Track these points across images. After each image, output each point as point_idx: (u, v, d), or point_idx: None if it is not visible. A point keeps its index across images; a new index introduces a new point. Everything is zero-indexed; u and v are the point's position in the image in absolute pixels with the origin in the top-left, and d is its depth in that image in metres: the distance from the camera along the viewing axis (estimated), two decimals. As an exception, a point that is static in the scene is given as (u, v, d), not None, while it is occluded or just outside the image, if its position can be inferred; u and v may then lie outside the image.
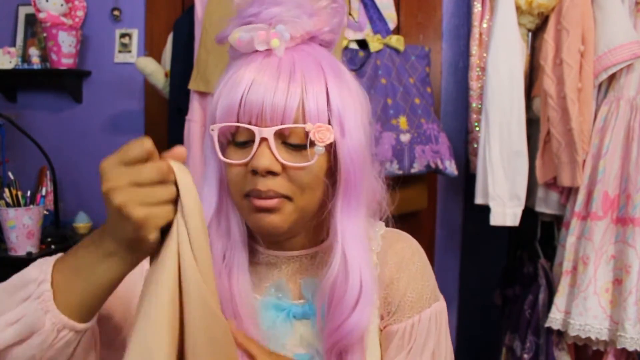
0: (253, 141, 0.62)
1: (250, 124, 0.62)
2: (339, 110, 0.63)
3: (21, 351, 0.52)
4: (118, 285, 0.55)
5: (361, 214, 0.68)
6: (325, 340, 0.66)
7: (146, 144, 0.49)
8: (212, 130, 0.64)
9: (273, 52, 0.64)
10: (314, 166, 0.63)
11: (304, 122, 0.62)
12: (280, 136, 0.62)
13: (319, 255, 0.72)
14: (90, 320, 0.55)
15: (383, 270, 0.73)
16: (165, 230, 0.53)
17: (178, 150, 0.53)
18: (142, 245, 0.51)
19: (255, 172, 0.62)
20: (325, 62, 0.66)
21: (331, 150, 0.65)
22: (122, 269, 0.53)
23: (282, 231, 0.66)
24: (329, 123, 0.63)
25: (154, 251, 0.53)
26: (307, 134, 0.62)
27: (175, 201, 0.52)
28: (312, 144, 0.62)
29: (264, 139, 0.61)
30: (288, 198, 0.64)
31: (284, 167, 0.62)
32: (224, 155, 0.66)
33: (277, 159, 0.62)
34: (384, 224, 0.77)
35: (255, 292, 0.71)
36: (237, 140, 0.64)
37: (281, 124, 0.61)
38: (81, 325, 0.53)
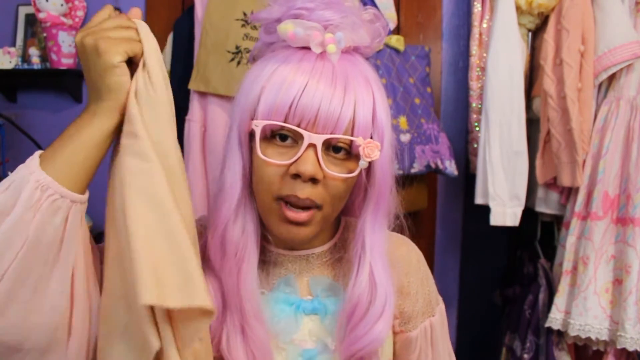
0: (296, 141, 0.62)
1: (299, 126, 0.61)
2: (383, 126, 0.65)
3: (11, 217, 0.52)
4: (104, 146, 0.58)
5: (385, 228, 0.70)
6: (344, 350, 0.67)
7: (108, 6, 0.60)
8: (257, 125, 0.63)
9: (326, 57, 0.63)
10: (352, 177, 0.65)
11: (352, 134, 0.62)
12: (327, 143, 0.63)
13: (326, 254, 0.73)
14: (78, 190, 0.56)
15: (391, 272, 0.74)
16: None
17: (134, 9, 0.62)
18: (116, 79, 0.56)
19: (296, 177, 0.62)
20: (371, 75, 0.66)
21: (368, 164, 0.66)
22: (107, 123, 0.57)
23: (308, 240, 0.67)
24: (371, 137, 0.64)
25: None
26: (351, 145, 0.63)
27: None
28: (356, 156, 0.63)
29: (312, 145, 0.61)
30: (319, 207, 0.64)
31: (324, 175, 0.63)
32: (248, 158, 0.67)
33: (321, 167, 0.62)
34: (391, 229, 0.78)
35: (264, 287, 0.72)
36: (277, 134, 0.64)
37: (332, 133, 0.61)
38: (66, 190, 0.54)
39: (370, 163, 0.65)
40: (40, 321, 0.54)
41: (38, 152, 0.57)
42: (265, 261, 0.74)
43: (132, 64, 0.59)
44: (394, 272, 0.74)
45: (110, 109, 0.57)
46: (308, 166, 0.61)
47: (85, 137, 0.57)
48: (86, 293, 0.58)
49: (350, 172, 0.63)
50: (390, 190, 0.69)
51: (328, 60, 0.63)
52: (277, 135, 0.64)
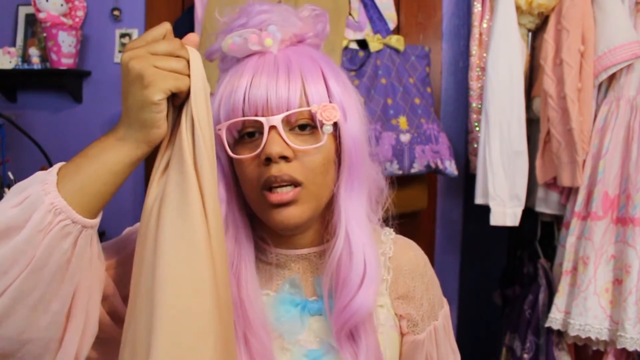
0: (261, 133, 0.64)
1: (256, 116, 0.64)
2: (339, 94, 0.66)
3: (20, 236, 0.52)
4: (124, 175, 0.57)
5: (363, 196, 0.70)
6: (335, 322, 0.67)
7: (166, 25, 0.57)
8: (220, 129, 0.65)
9: (267, 52, 0.67)
10: (324, 148, 0.66)
11: (308, 106, 0.64)
12: (288, 123, 0.64)
13: (328, 253, 0.72)
14: (90, 216, 0.55)
15: (397, 276, 0.75)
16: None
17: (191, 35, 0.60)
18: (152, 115, 0.55)
19: (268, 161, 0.64)
20: (319, 56, 0.68)
21: (336, 133, 0.67)
22: (131, 154, 0.56)
23: (301, 222, 0.67)
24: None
25: (161, 138, 0.57)
26: (312, 117, 0.65)
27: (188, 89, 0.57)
28: (319, 126, 0.65)
29: (272, 127, 0.63)
30: (302, 185, 0.65)
31: (295, 152, 0.64)
32: (228, 162, 0.68)
33: (288, 145, 0.63)
34: (392, 229, 0.79)
35: (269, 289, 0.73)
36: (244, 133, 0.66)
37: (287, 110, 0.63)
38: (79, 216, 0.53)
39: (338, 131, 0.67)
40: (36, 336, 0.54)
41: (58, 166, 0.56)
42: (267, 263, 0.74)
43: (174, 95, 0.58)
44: (399, 273, 0.75)
45: (139, 141, 0.56)
46: (273, 146, 0.63)
47: (107, 162, 0.56)
48: (84, 312, 0.58)
49: (320, 142, 0.65)
50: (364, 158, 0.70)
51: (269, 54, 0.66)
52: (245, 135, 0.66)
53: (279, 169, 0.63)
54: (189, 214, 0.55)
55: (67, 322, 0.56)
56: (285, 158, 0.64)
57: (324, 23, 0.72)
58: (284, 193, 0.64)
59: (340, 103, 0.66)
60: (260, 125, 0.64)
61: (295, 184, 0.65)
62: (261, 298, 0.70)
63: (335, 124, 0.65)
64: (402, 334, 0.76)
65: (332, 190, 0.69)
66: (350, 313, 0.65)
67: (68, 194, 0.53)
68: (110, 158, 0.56)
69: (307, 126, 0.65)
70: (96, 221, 0.56)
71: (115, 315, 0.65)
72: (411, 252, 0.78)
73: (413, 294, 0.75)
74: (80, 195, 0.54)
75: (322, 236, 0.73)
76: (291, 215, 0.65)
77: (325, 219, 0.71)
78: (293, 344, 0.70)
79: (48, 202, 0.52)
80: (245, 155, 0.65)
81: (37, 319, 0.54)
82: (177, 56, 0.56)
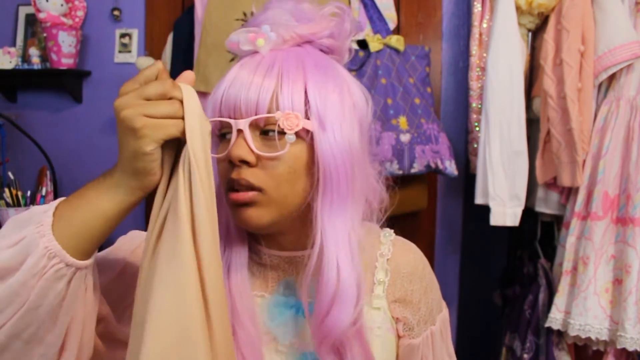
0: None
1: (229, 117, 0.64)
2: (317, 105, 0.63)
3: (15, 278, 0.52)
4: (119, 219, 0.56)
5: (346, 213, 0.66)
6: (313, 336, 0.66)
7: (158, 64, 0.56)
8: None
9: (257, 53, 0.66)
10: (289, 157, 0.64)
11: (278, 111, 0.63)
12: (257, 127, 0.64)
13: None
14: (84, 258, 0.55)
15: (394, 279, 0.74)
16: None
17: (187, 73, 0.59)
18: (144, 165, 0.54)
19: (232, 164, 0.64)
20: (311, 61, 0.66)
21: (312, 144, 0.64)
22: (126, 200, 0.56)
23: (262, 225, 0.65)
24: (307, 117, 0.63)
25: (157, 182, 0.56)
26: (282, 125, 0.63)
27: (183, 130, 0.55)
28: (285, 133, 0.63)
29: (239, 131, 0.63)
30: (262, 191, 0.64)
31: (258, 157, 0.63)
32: (215, 152, 0.68)
33: (251, 149, 0.63)
34: (392, 230, 0.78)
35: (263, 291, 0.72)
36: (222, 132, 0.66)
37: (255, 115, 0.63)
38: (72, 259, 0.53)
39: (314, 143, 0.64)
40: None
41: (55, 204, 0.55)
42: (262, 264, 0.73)
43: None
44: (397, 276, 0.73)
45: (133, 188, 0.56)
46: (235, 150, 0.62)
47: (102, 208, 0.55)
48: (77, 341, 0.58)
49: (283, 147, 0.63)
50: (352, 174, 0.66)
51: (259, 55, 0.66)
52: (224, 135, 0.66)
53: (238, 173, 0.63)
54: (177, 260, 0.53)
55: (61, 352, 0.57)
56: (247, 163, 0.63)
57: (344, 22, 0.69)
58: (241, 194, 0.64)
59: (318, 114, 0.63)
60: (230, 125, 0.64)
61: (253, 189, 0.63)
62: (250, 292, 0.69)
63: (312, 135, 0.63)
64: (399, 336, 0.75)
65: (304, 200, 0.66)
66: (324, 331, 0.64)
67: (63, 237, 0.53)
68: (104, 204, 0.55)
69: (274, 131, 0.63)
70: (90, 261, 0.56)
71: (108, 337, 0.65)
72: (410, 254, 0.77)
73: (411, 297, 0.74)
74: (75, 239, 0.54)
75: (311, 240, 0.70)
76: (249, 216, 0.64)
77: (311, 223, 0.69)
78: (287, 346, 0.69)
79: (43, 246, 0.52)
80: (217, 155, 0.66)
81: (32, 351, 0.55)
82: (170, 97, 0.54)
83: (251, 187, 0.63)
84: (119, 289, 0.68)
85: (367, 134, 0.71)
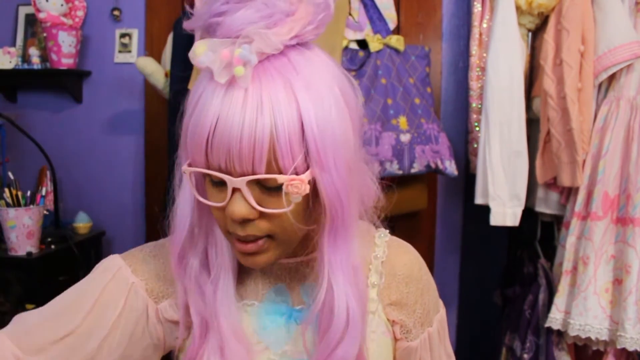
0: (225, 184, 0.56)
1: (220, 169, 0.55)
2: (316, 141, 0.54)
3: None
4: None
5: (350, 242, 0.62)
6: None
7: None
8: (185, 172, 0.59)
9: (237, 83, 0.54)
10: (293, 209, 0.57)
11: (277, 164, 0.54)
12: (256, 182, 0.56)
13: (316, 261, 0.69)
14: None
15: (389, 282, 0.72)
16: None
17: None
18: None
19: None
20: (297, 77, 0.55)
21: (315, 185, 0.57)
22: None
23: (270, 264, 0.64)
24: (307, 153, 0.55)
25: None
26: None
27: None
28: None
29: (236, 189, 0.56)
30: (271, 237, 0.60)
31: (261, 212, 0.57)
32: (201, 189, 0.62)
33: (252, 207, 0.56)
34: (388, 231, 0.75)
35: (254, 299, 0.70)
36: (212, 180, 0.58)
37: (252, 174, 0.54)
38: None
39: (315, 182, 0.57)
40: None
41: None
42: (253, 271, 0.71)
43: None
44: (392, 279, 0.72)
45: None
46: (235, 211, 0.56)
47: None
48: None
49: (288, 204, 0.56)
50: (353, 199, 0.60)
51: (239, 89, 0.54)
52: (217, 182, 0.58)
53: (243, 230, 0.58)
54: None
55: None
56: (249, 220, 0.58)
57: (325, 9, 0.58)
58: (250, 245, 0.59)
59: (317, 152, 0.55)
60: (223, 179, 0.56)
61: (261, 237, 0.60)
62: (235, 306, 0.66)
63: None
64: (395, 339, 0.73)
65: (307, 227, 0.61)
66: None
67: None
68: None
69: (278, 187, 0.56)
70: None
71: None
72: (406, 256, 0.74)
73: (406, 300, 0.72)
74: None
75: (306, 247, 0.67)
76: (257, 262, 0.61)
77: (307, 235, 0.65)
78: (279, 354, 0.68)
79: None
80: (213, 203, 0.59)
81: None
82: None
83: (259, 238, 0.60)
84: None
85: (360, 128, 0.63)
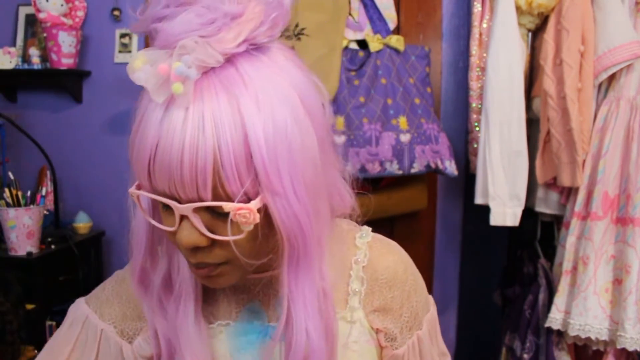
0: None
1: (166, 195, 0.51)
2: (265, 163, 0.48)
3: None
4: None
5: (313, 270, 0.56)
6: None
7: None
8: (131, 195, 0.55)
9: (176, 102, 0.48)
10: (248, 236, 0.52)
11: (224, 190, 0.49)
12: (204, 208, 0.51)
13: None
14: None
15: (372, 287, 0.67)
16: None
17: None
18: None
19: None
20: (244, 91, 0.49)
21: (262, 212, 0.52)
22: None
23: (230, 285, 0.60)
24: (256, 177, 0.49)
25: None
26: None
27: None
28: None
29: (184, 216, 0.51)
30: (228, 262, 0.55)
31: (213, 239, 0.53)
32: (153, 211, 0.59)
33: (202, 234, 0.52)
34: (369, 228, 0.71)
35: (229, 318, 0.66)
36: (162, 203, 0.53)
37: (198, 200, 0.49)
38: None
39: (267, 209, 0.51)
40: None
41: None
42: (224, 288, 0.66)
43: None
44: (375, 284, 0.67)
45: None
46: (183, 239, 0.52)
47: None
48: None
49: (240, 232, 0.51)
50: (310, 224, 0.53)
51: (178, 109, 0.48)
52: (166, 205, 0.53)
53: (195, 258, 0.54)
54: None
55: None
56: (199, 248, 0.53)
57: (279, 8, 0.51)
58: (206, 270, 0.55)
59: (267, 177, 0.49)
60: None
61: (218, 265, 0.55)
62: (197, 330, 0.61)
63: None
64: (381, 347, 0.69)
65: (268, 252, 0.56)
66: None
67: None
68: None
69: (226, 215, 0.51)
70: None
71: None
72: (389, 257, 0.69)
73: (391, 305, 0.68)
74: None
75: (275, 260, 0.58)
76: (218, 283, 0.58)
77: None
78: None
79: None
80: (163, 227, 0.55)
81: None
82: None
83: (214, 265, 0.55)
84: None
85: (327, 135, 0.57)
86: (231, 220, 0.50)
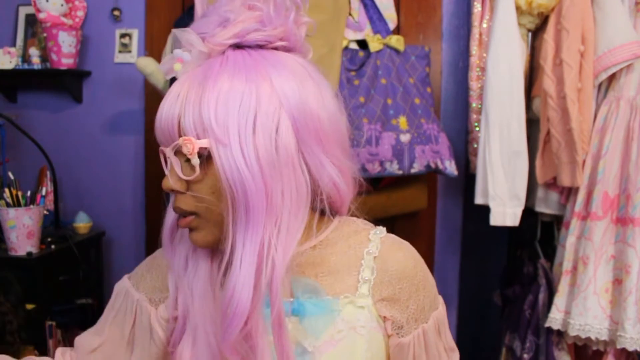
0: None
1: (161, 145, 0.67)
2: (211, 121, 0.61)
3: None
4: None
5: (257, 224, 0.62)
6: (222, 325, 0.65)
7: None
8: (160, 152, 0.68)
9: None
10: (209, 178, 0.64)
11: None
12: (181, 154, 0.64)
13: (303, 253, 0.71)
14: None
15: (381, 277, 0.72)
16: None
17: None
18: None
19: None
20: (219, 74, 0.63)
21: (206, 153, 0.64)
22: None
23: (209, 244, 0.67)
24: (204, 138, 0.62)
25: None
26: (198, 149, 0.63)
27: None
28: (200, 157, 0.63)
29: (168, 158, 0.65)
30: (196, 214, 0.66)
31: (187, 183, 0.65)
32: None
33: (179, 179, 0.64)
34: (384, 228, 0.76)
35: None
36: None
37: (172, 143, 0.64)
38: None
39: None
40: None
41: None
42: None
43: None
44: (384, 274, 0.72)
45: None
46: (165, 180, 0.66)
47: None
48: None
49: (194, 173, 0.63)
50: (256, 186, 0.61)
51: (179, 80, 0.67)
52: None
53: (174, 202, 0.67)
54: None
55: None
56: (178, 191, 0.65)
57: (269, 6, 0.66)
58: (181, 220, 0.67)
59: (212, 129, 0.61)
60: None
61: (189, 214, 0.66)
62: (209, 290, 0.69)
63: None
64: (388, 335, 0.73)
65: (220, 210, 0.65)
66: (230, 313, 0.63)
67: None
68: None
69: (199, 156, 0.62)
70: None
71: None
72: (400, 252, 0.74)
73: (399, 296, 0.72)
74: None
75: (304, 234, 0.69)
76: (195, 239, 0.67)
77: None
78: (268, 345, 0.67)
79: None
80: (166, 171, 0.67)
81: None
82: None
83: (185, 213, 0.66)
84: None
85: (318, 120, 0.67)
86: (202, 163, 0.62)
